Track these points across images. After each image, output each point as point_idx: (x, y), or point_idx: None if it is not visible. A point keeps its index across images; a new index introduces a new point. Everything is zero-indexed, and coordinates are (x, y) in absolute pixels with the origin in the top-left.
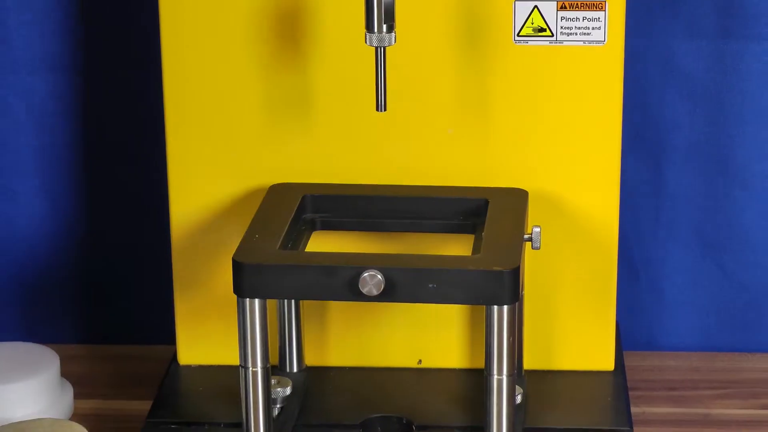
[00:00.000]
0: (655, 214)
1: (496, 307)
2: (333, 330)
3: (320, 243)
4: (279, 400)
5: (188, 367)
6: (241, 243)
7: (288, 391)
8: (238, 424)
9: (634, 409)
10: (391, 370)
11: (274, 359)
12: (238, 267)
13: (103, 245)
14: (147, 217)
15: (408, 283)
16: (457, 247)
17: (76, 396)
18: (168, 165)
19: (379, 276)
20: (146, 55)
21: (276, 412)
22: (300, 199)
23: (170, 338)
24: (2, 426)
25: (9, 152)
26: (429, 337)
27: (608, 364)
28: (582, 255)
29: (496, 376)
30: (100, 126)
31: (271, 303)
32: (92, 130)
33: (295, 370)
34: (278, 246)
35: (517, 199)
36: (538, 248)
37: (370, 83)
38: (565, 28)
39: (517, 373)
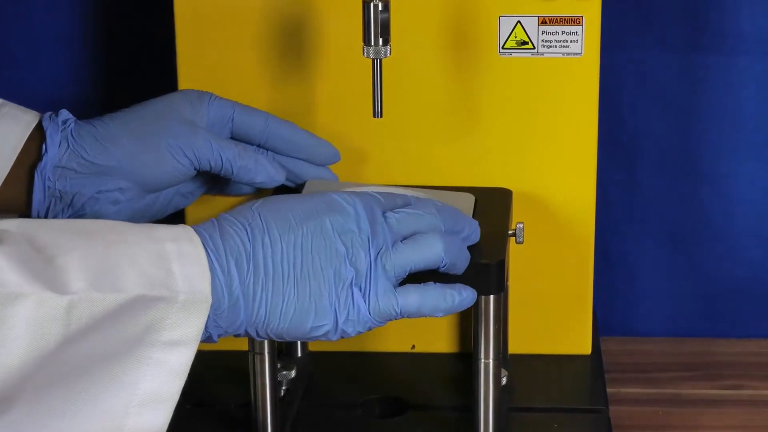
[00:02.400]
0: (629, 211)
1: (483, 296)
2: None
3: None
4: (285, 382)
5: (200, 351)
6: None
7: (293, 374)
8: (248, 405)
9: (609, 390)
10: (387, 355)
11: (280, 345)
12: None
13: None
14: (164, 220)
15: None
16: None
17: None
18: None
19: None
20: (163, 72)
21: (282, 393)
22: None
23: None
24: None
25: None
26: (421, 325)
27: (586, 348)
28: (562, 249)
29: (483, 360)
30: None
31: None
32: None
33: (299, 354)
34: None
35: (501, 198)
36: (521, 243)
37: (367, 92)
38: (545, 41)
39: (503, 357)
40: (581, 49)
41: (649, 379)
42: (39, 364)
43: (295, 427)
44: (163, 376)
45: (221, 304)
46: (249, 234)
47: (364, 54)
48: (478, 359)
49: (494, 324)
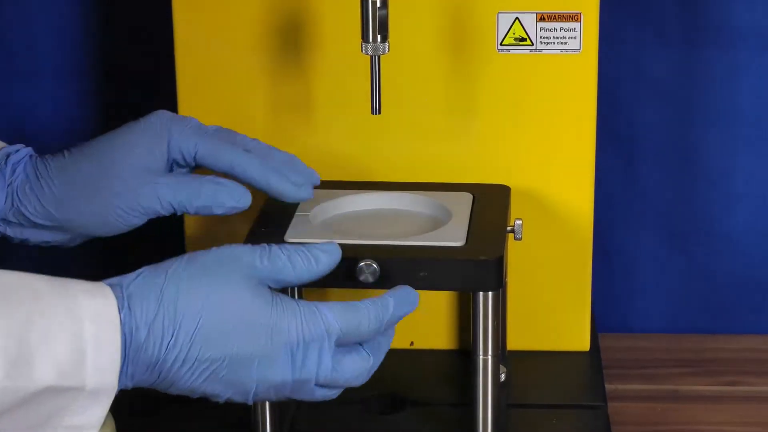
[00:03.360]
0: (627, 207)
1: (482, 293)
2: None
3: None
4: None
5: None
6: (249, 234)
7: None
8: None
9: (608, 386)
10: None
11: None
12: None
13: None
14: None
15: (401, 272)
16: None
17: None
18: None
19: (374, 265)
20: (163, 68)
21: None
22: None
23: None
24: None
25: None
26: (420, 321)
27: (584, 345)
28: (560, 245)
29: (482, 356)
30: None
31: None
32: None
33: None
34: (283, 237)
35: (500, 195)
36: (520, 239)
37: (365, 89)
38: (543, 37)
39: (501, 354)
40: (579, 45)
41: (648, 376)
42: None
43: (293, 425)
44: None
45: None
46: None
47: (362, 51)
48: (476, 355)
49: (493, 320)
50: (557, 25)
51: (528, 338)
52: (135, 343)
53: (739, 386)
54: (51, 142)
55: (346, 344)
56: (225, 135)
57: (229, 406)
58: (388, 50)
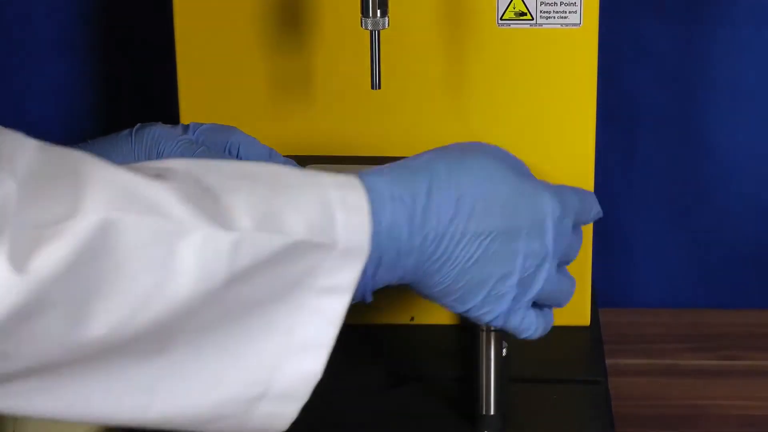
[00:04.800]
0: (628, 183)
1: None
2: None
3: None
4: None
5: None
6: None
7: None
8: None
9: (608, 361)
10: (386, 327)
11: None
12: None
13: None
14: None
15: None
16: None
17: None
18: None
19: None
20: (162, 45)
21: None
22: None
23: None
24: None
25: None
26: (420, 297)
27: (585, 319)
28: None
29: (485, 330)
30: (116, 107)
31: None
32: (110, 109)
33: None
34: None
35: None
36: None
37: (365, 64)
38: (544, 12)
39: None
40: (580, 20)
41: (648, 350)
42: (204, 301)
43: None
44: (318, 323)
45: (386, 253)
46: (427, 188)
47: (362, 26)
48: (479, 329)
49: None
50: None
51: None
52: (393, 227)
53: (739, 361)
54: (50, 126)
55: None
56: (214, 155)
57: None
58: (388, 25)
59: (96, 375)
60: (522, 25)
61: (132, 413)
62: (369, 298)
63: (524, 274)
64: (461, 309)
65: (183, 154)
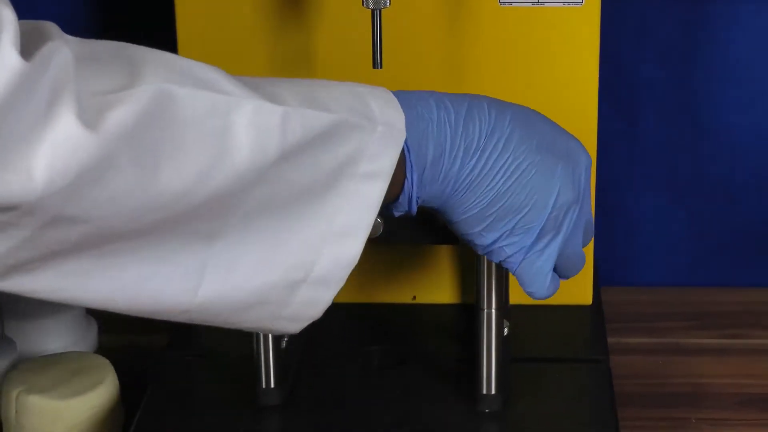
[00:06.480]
0: (630, 162)
1: None
2: None
3: None
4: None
5: None
6: None
7: None
8: (250, 356)
9: (610, 340)
10: (387, 306)
11: None
12: None
13: None
14: None
15: (407, 226)
16: None
17: (101, 331)
18: None
19: (378, 220)
20: (163, 24)
21: (284, 344)
22: None
23: None
24: (31, 360)
25: None
26: (422, 275)
27: (587, 298)
28: None
29: (486, 310)
30: None
31: None
32: None
33: None
34: None
35: None
36: None
37: (367, 43)
38: None
39: (505, 307)
40: None
41: (650, 329)
42: (257, 178)
43: (296, 378)
44: (358, 208)
45: (423, 157)
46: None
47: (363, 4)
48: (480, 309)
49: (496, 273)
50: None
51: None
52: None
53: (741, 339)
54: None
55: None
56: None
57: (235, 362)
58: (390, 3)
59: (151, 256)
60: (524, 4)
61: (179, 298)
62: (414, 209)
63: (555, 212)
64: (489, 240)
65: None
